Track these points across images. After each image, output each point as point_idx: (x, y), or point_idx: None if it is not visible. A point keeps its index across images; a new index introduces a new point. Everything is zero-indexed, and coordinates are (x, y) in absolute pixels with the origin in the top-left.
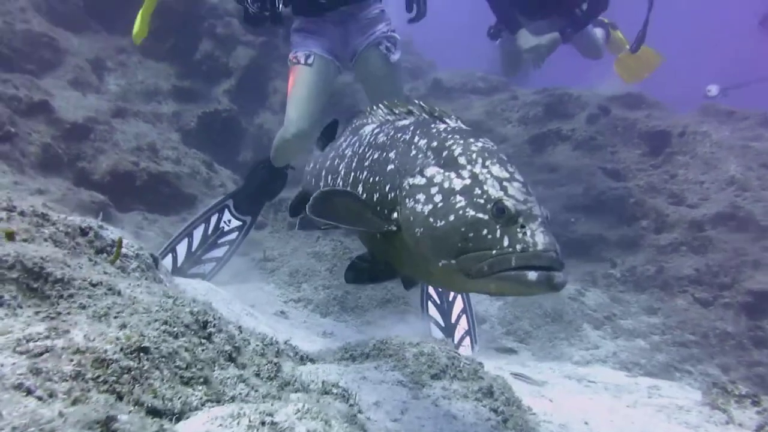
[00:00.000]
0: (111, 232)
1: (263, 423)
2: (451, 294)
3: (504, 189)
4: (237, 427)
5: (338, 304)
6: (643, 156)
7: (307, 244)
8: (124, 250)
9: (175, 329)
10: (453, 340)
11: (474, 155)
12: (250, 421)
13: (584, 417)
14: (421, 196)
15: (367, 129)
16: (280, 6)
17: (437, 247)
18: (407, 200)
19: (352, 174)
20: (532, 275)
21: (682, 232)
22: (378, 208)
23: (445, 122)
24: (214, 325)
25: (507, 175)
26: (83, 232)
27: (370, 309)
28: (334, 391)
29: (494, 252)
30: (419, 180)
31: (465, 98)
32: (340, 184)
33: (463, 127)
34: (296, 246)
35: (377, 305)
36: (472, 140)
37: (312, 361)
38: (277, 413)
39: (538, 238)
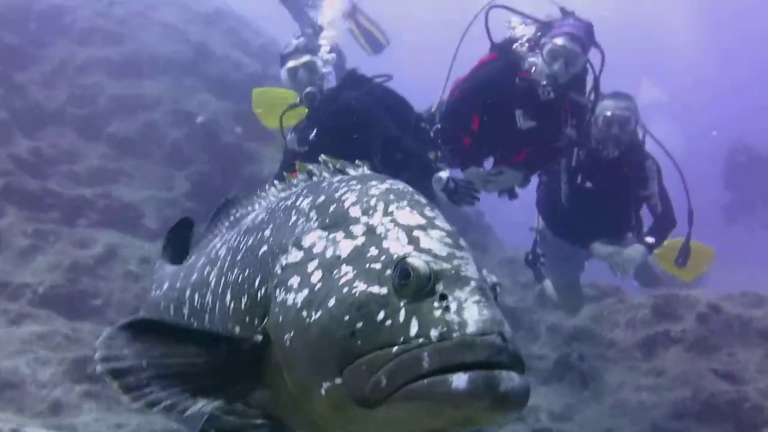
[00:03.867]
0: None
1: None
2: None
3: (414, 241)
4: None
5: None
6: (767, 357)
7: None
8: None
9: None
10: None
11: (373, 201)
12: None
13: None
14: (294, 281)
15: (252, 215)
16: None
17: (313, 358)
18: (277, 291)
19: (223, 279)
20: (458, 381)
21: None
22: (247, 319)
23: (345, 173)
24: None
25: (422, 221)
26: None
27: None
28: None
29: (395, 349)
30: (294, 256)
31: None
32: (209, 299)
33: (369, 172)
34: None
35: None
36: (375, 182)
37: None
38: None
39: (469, 313)
